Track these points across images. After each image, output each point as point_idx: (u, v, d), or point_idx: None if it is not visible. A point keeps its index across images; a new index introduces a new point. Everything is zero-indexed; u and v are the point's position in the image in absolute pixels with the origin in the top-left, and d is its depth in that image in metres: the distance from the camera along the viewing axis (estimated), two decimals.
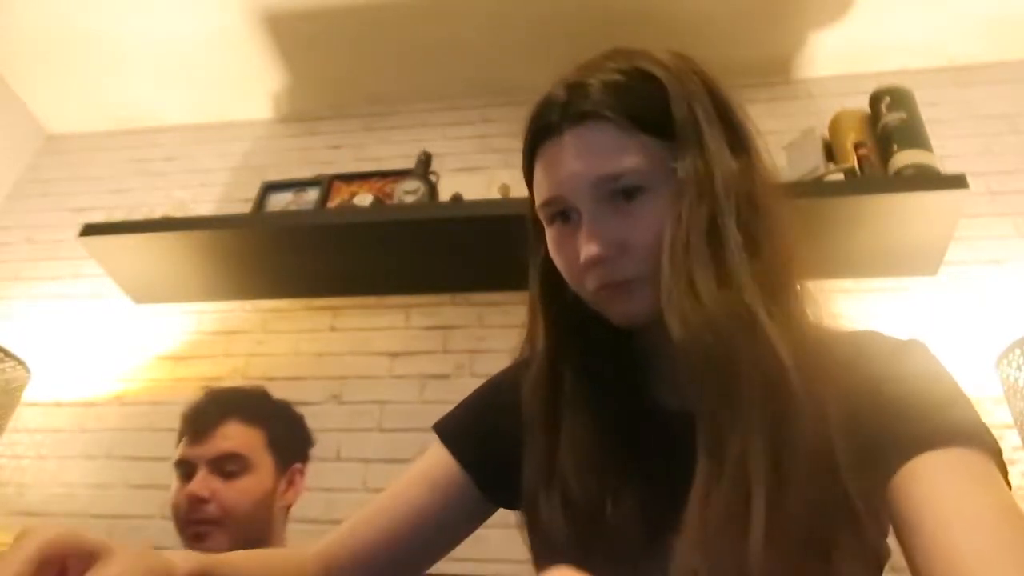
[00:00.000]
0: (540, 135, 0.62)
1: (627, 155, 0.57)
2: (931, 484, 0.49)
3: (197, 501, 1.15)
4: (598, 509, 0.58)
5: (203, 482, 1.16)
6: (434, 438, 0.73)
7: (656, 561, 0.56)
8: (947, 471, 0.50)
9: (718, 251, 0.55)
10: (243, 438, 1.21)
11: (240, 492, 1.17)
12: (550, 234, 0.63)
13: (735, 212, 0.57)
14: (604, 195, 0.58)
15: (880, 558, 0.58)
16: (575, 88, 0.60)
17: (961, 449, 0.51)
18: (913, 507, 0.49)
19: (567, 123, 0.60)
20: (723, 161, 0.58)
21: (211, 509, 1.14)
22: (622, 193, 0.58)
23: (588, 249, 0.58)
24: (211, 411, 1.23)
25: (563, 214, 0.61)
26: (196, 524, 1.14)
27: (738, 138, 0.61)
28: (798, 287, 0.59)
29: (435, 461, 0.70)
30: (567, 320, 0.65)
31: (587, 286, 0.60)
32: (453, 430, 0.72)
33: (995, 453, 0.52)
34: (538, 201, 0.63)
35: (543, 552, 0.62)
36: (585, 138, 0.59)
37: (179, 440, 1.24)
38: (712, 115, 0.60)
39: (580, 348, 0.65)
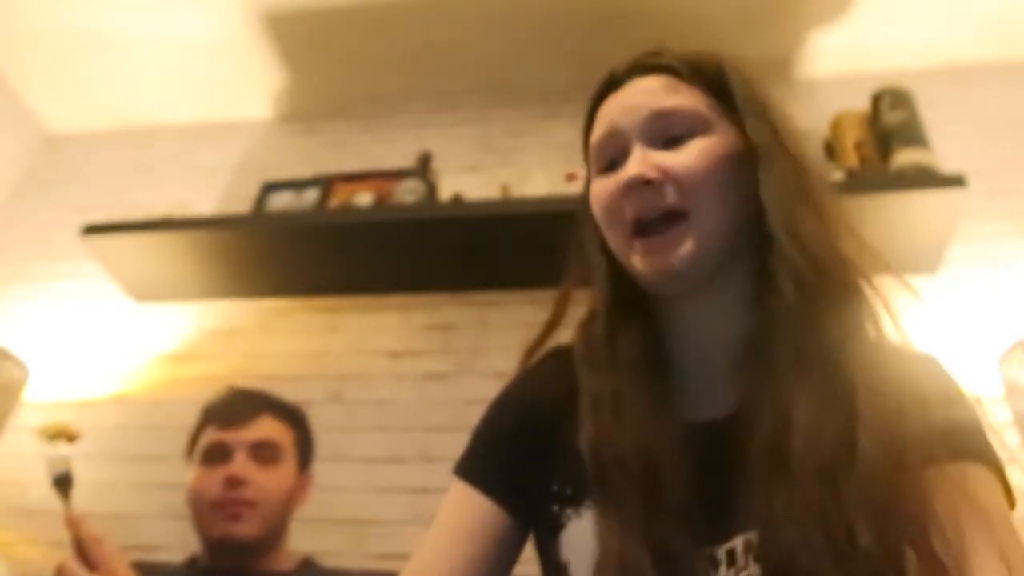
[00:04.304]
0: (605, 89, 0.66)
1: (683, 96, 0.61)
2: (934, 499, 0.51)
3: (236, 483, 1.16)
4: (653, 492, 0.57)
5: (243, 465, 1.18)
6: (455, 482, 0.69)
7: (702, 550, 0.56)
8: (951, 487, 0.51)
9: (811, 203, 0.59)
10: (279, 431, 1.25)
11: (274, 479, 1.20)
12: (595, 186, 0.64)
13: (813, 175, 0.61)
14: (656, 134, 0.61)
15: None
16: (644, 54, 0.66)
17: (969, 465, 0.53)
18: (924, 515, 0.50)
19: (632, 74, 0.65)
20: (789, 129, 0.62)
21: (248, 492, 1.16)
22: (673, 139, 0.60)
23: (628, 170, 0.59)
24: (248, 402, 1.27)
25: (612, 164, 0.63)
26: (231, 505, 1.15)
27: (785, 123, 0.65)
28: (855, 272, 0.60)
29: (466, 508, 0.66)
30: (616, 305, 0.66)
31: (625, 216, 0.60)
32: (475, 468, 0.69)
33: (1000, 471, 0.55)
34: (593, 142, 0.65)
35: (607, 526, 0.59)
36: (646, 81, 0.63)
37: (200, 430, 1.25)
38: (767, 99, 0.64)
39: (626, 338, 0.65)
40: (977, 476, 0.53)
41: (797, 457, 0.52)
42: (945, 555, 0.48)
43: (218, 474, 1.17)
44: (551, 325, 0.71)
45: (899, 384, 0.55)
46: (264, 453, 1.20)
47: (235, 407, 1.25)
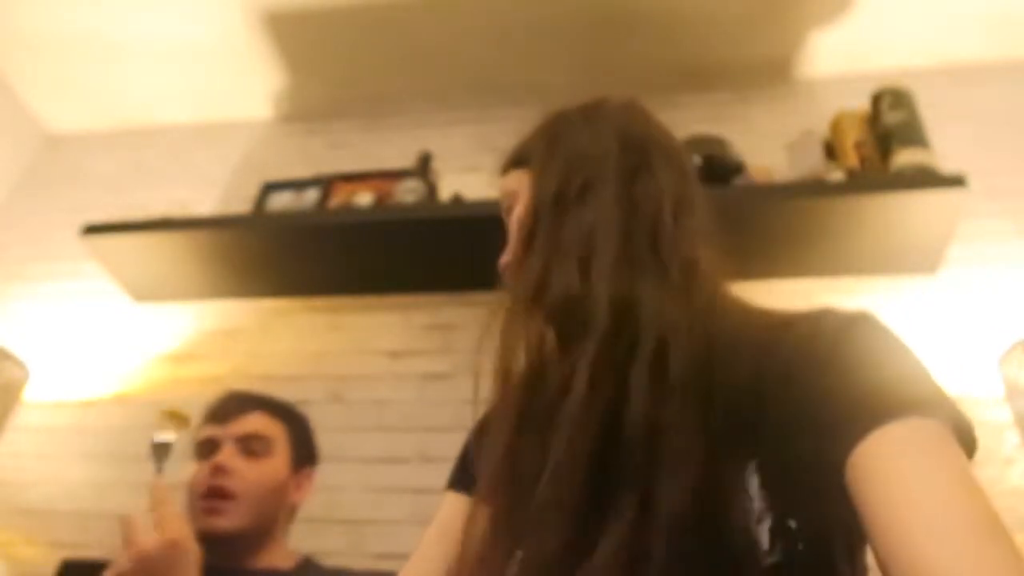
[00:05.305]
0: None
1: (504, 181, 0.81)
2: (880, 465, 0.47)
3: (220, 472, 1.18)
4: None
5: (228, 456, 1.21)
6: (446, 495, 0.76)
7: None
8: (895, 449, 0.48)
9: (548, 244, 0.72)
10: (269, 425, 1.28)
11: (261, 472, 1.22)
12: None
13: (553, 213, 0.71)
14: (506, 215, 0.81)
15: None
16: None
17: (914, 420, 0.49)
18: (864, 493, 0.47)
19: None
20: (553, 177, 0.72)
21: (232, 483, 1.19)
22: (509, 211, 0.79)
23: None
24: (239, 401, 1.31)
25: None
26: (212, 498, 1.18)
27: (634, 158, 0.71)
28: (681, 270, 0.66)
29: (455, 511, 0.71)
30: None
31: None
32: (455, 474, 0.76)
33: (951, 419, 0.50)
34: None
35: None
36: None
37: (198, 429, 1.28)
38: (565, 152, 0.74)
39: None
40: (901, 435, 0.48)
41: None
42: (885, 542, 0.45)
43: (206, 466, 1.21)
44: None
45: (807, 352, 0.55)
46: (252, 446, 1.23)
47: (228, 404, 1.30)
